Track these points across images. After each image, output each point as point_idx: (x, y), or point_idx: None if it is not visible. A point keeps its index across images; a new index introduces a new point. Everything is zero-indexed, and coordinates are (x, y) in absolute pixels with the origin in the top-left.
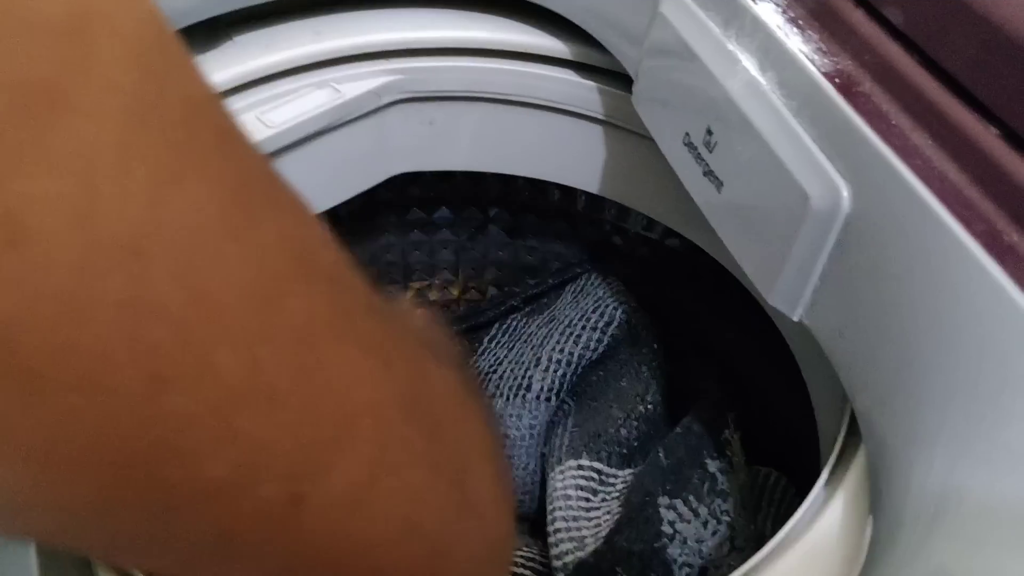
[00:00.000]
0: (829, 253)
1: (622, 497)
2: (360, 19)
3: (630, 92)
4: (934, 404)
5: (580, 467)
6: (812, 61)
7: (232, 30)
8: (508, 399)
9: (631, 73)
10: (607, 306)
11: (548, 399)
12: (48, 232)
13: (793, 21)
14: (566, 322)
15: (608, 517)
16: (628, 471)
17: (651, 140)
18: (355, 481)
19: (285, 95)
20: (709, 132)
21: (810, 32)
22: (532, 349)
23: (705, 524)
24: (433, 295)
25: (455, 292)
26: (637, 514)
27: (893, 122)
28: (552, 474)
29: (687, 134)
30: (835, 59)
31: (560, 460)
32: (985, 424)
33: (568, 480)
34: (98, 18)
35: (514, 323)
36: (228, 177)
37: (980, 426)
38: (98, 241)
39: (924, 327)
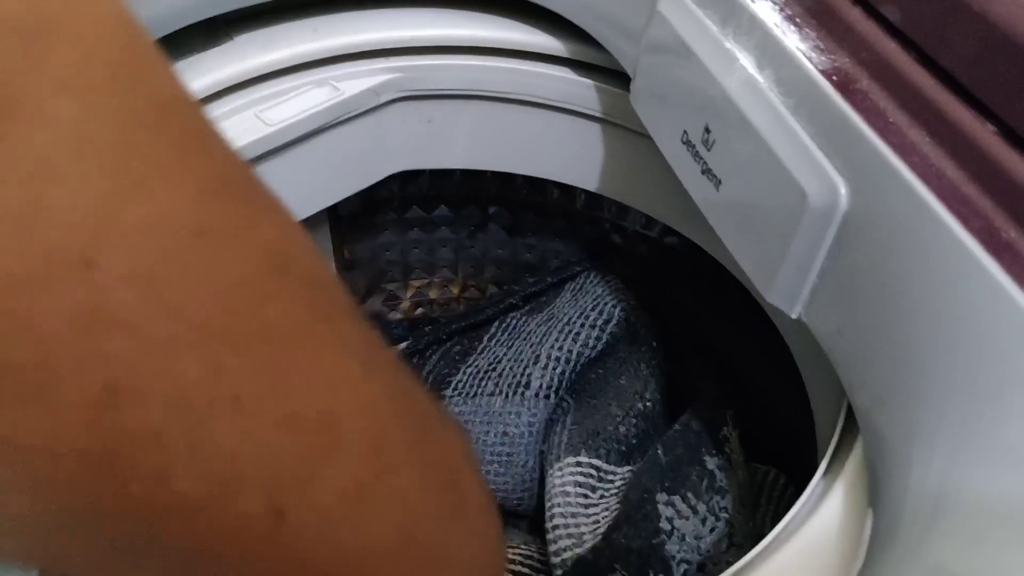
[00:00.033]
0: (827, 251)
1: (620, 494)
2: (359, 18)
3: (628, 90)
4: (933, 401)
5: (579, 464)
6: (809, 59)
7: (232, 29)
8: (507, 396)
9: (629, 71)
10: (606, 304)
11: (547, 396)
12: None
13: (790, 19)
14: (565, 320)
15: (607, 514)
16: (627, 468)
17: (649, 138)
18: (342, 490)
19: (284, 93)
20: (707, 130)
21: (807, 30)
22: (531, 347)
23: (703, 521)
24: (433, 293)
25: (455, 290)
26: (635, 511)
27: (891, 119)
28: (551, 471)
29: (685, 132)
30: (832, 57)
31: (559, 457)
32: (984, 421)
33: (567, 477)
34: (59, 20)
35: (513, 321)
36: (201, 180)
37: (979, 423)
38: (42, 253)
39: (922, 324)
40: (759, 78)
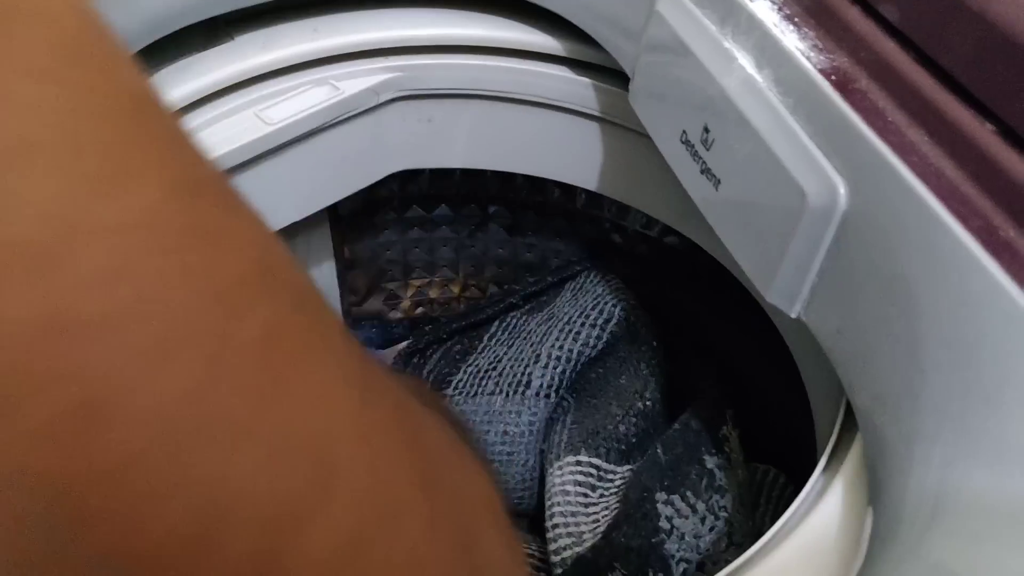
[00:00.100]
0: (826, 250)
1: (620, 493)
2: (358, 18)
3: (628, 90)
4: (932, 400)
5: (579, 463)
6: (808, 58)
7: (232, 29)
8: (508, 396)
9: (628, 71)
10: (606, 303)
11: (547, 396)
12: None
13: (789, 18)
14: (565, 319)
15: (606, 513)
16: (626, 467)
17: (649, 138)
18: (342, 534)
19: (284, 92)
20: (706, 130)
21: (806, 29)
22: (532, 346)
23: (703, 520)
24: (433, 293)
25: (455, 290)
26: (635, 510)
27: (889, 119)
28: (551, 470)
29: (684, 132)
30: (831, 56)
31: (559, 456)
32: (983, 420)
33: (567, 476)
34: (22, 9)
35: (514, 320)
36: (175, 177)
37: (978, 422)
38: (1, 248)
39: (921, 323)
40: (758, 78)
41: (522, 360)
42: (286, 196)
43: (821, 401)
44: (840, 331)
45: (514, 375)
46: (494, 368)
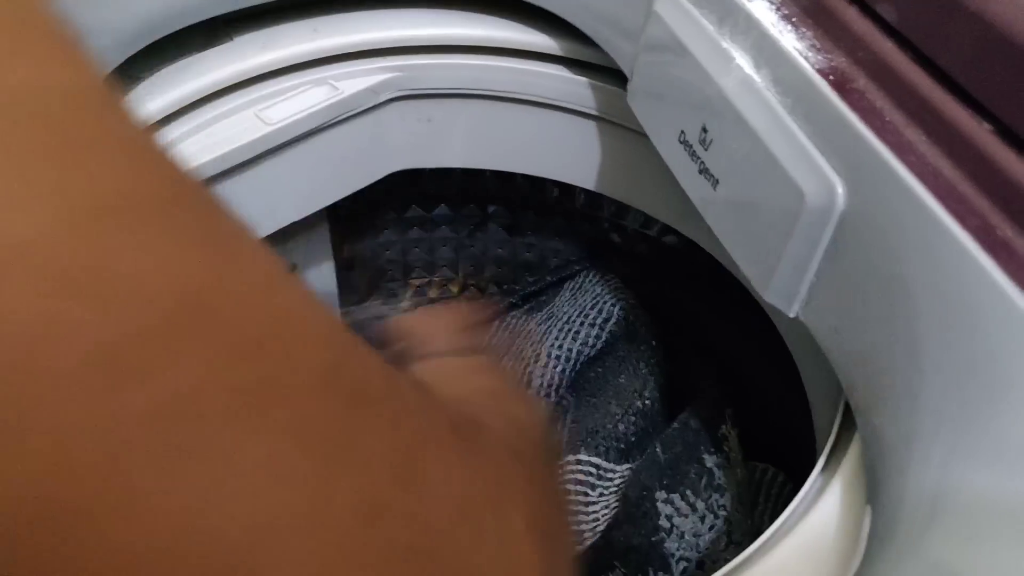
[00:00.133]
0: (824, 250)
1: (620, 492)
2: (357, 18)
3: (626, 89)
4: (930, 399)
5: (579, 462)
6: (806, 58)
7: (232, 29)
8: None
9: (626, 71)
10: (605, 303)
11: (547, 395)
12: None
13: (787, 18)
14: (565, 319)
15: (606, 512)
16: (626, 466)
17: (648, 137)
18: None
19: (284, 92)
20: (704, 130)
21: (804, 29)
22: (531, 346)
23: (702, 519)
24: (432, 292)
25: (454, 289)
26: (635, 509)
27: (887, 119)
28: None
29: (682, 132)
30: (829, 56)
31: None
32: (981, 419)
33: (567, 475)
34: None
35: (513, 320)
36: (78, 202)
37: (976, 421)
38: None
39: (919, 322)
40: (756, 78)
41: (522, 359)
42: (285, 196)
43: (820, 400)
44: (838, 330)
45: (514, 375)
46: None
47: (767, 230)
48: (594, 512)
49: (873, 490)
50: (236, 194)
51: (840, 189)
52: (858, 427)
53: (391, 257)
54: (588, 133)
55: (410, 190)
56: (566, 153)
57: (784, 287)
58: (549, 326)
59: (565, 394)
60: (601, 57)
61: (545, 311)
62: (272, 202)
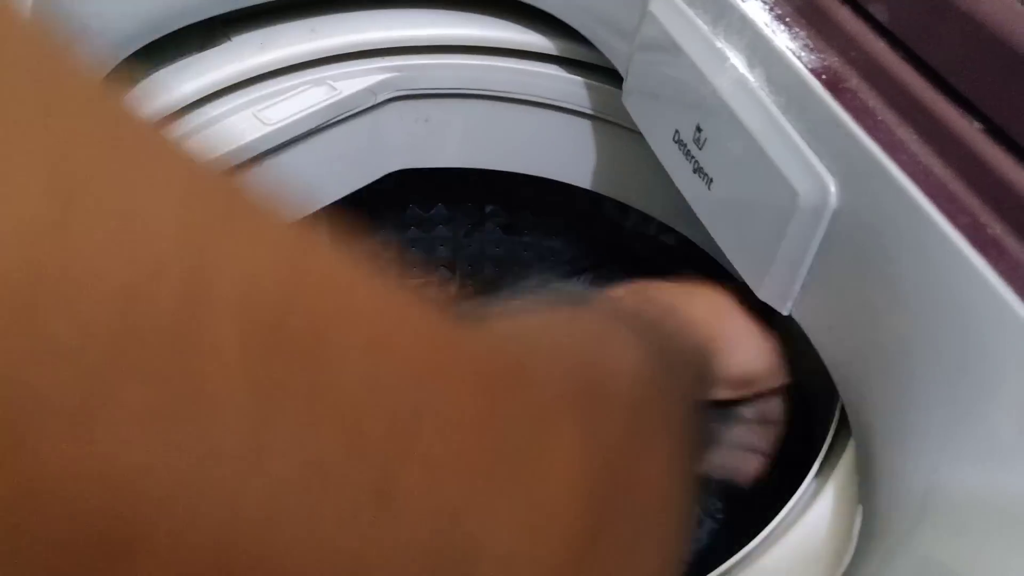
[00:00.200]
0: (817, 248)
1: None
2: (355, 18)
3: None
4: (921, 396)
5: None
6: (799, 58)
7: (230, 29)
8: None
9: (621, 71)
10: None
11: None
12: None
13: (780, 18)
14: None
15: None
16: None
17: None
18: None
19: (282, 93)
20: (698, 129)
21: (797, 29)
22: None
23: (700, 522)
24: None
25: (452, 289)
26: None
27: (879, 118)
28: None
29: (677, 131)
30: (822, 56)
31: None
32: (970, 415)
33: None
34: None
35: None
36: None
37: (966, 417)
38: None
39: (911, 320)
40: (750, 77)
41: None
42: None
43: (818, 400)
44: (831, 328)
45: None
46: None
47: (761, 228)
48: None
49: (865, 488)
50: None
51: (833, 188)
52: (851, 423)
53: (388, 256)
54: (586, 133)
55: (408, 190)
56: (564, 152)
57: (777, 285)
58: None
59: None
60: (598, 57)
61: None
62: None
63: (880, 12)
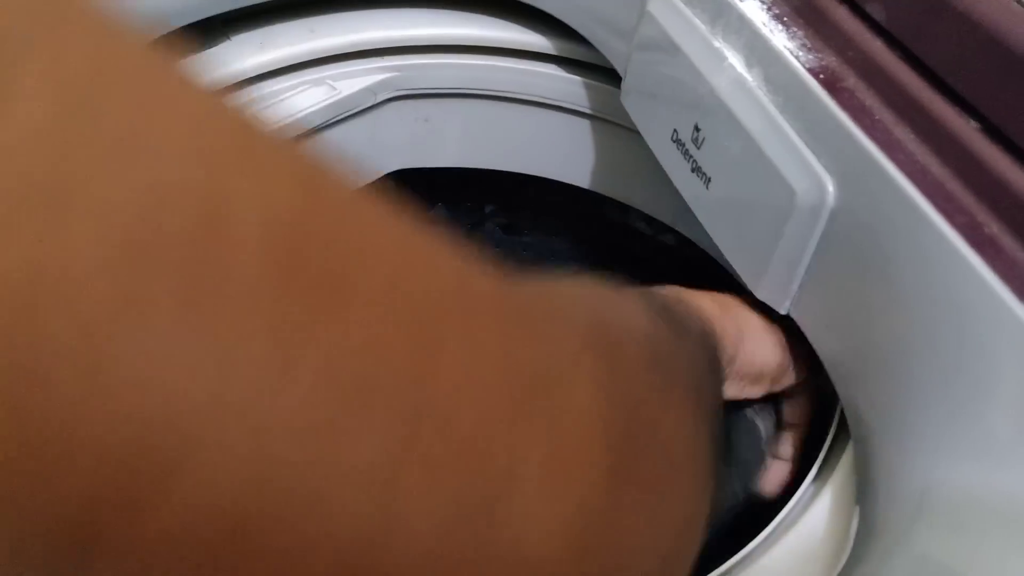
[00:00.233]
0: (815, 247)
1: None
2: (355, 18)
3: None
4: (918, 395)
5: None
6: (797, 57)
7: (229, 29)
8: None
9: (619, 70)
10: None
11: None
12: None
13: (778, 18)
14: None
15: None
16: None
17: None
18: None
19: (281, 92)
20: (697, 129)
21: (795, 29)
22: None
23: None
24: None
25: None
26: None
27: (877, 117)
28: None
29: (675, 131)
30: (819, 55)
31: None
32: (967, 414)
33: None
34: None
35: None
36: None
37: (963, 415)
38: None
39: (908, 319)
40: (748, 77)
41: None
42: None
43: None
44: (829, 327)
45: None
46: None
47: (759, 228)
48: None
49: (862, 488)
50: None
51: (830, 187)
52: (849, 423)
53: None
54: (585, 132)
55: (407, 189)
56: (563, 152)
57: (775, 284)
58: None
59: None
60: (596, 56)
61: None
62: None
63: (877, 12)
